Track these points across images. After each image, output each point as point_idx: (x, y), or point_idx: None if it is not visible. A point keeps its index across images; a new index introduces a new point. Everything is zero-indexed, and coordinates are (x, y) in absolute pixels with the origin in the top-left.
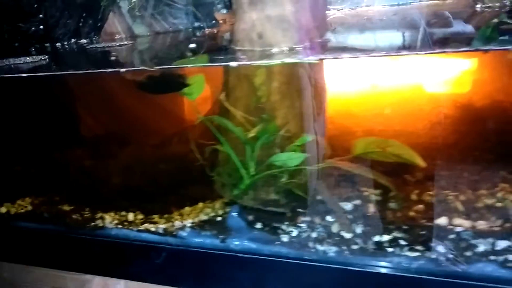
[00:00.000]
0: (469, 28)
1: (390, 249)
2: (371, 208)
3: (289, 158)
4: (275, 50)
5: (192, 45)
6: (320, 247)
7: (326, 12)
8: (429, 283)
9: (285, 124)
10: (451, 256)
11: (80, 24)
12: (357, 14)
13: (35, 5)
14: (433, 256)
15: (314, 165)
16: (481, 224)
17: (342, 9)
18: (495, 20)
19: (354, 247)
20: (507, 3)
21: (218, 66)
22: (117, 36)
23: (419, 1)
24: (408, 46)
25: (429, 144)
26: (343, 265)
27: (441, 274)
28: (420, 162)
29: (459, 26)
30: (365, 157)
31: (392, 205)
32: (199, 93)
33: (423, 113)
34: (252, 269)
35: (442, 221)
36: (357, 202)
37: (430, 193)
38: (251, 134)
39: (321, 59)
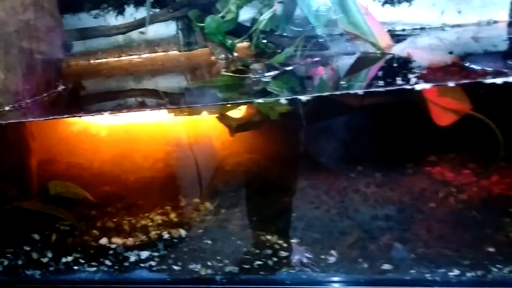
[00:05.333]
0: None
1: (75, 267)
2: (57, 237)
3: None
4: None
5: None
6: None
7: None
8: None
9: None
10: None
11: None
12: (152, 60)
13: None
14: (104, 268)
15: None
16: (131, 240)
17: (141, 54)
18: (232, 68)
19: (51, 268)
20: (231, 56)
21: None
22: None
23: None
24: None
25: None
26: None
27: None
28: (89, 197)
29: None
30: (61, 196)
31: (76, 233)
32: None
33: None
34: None
35: (104, 241)
36: (47, 233)
37: (114, 220)
38: None
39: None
